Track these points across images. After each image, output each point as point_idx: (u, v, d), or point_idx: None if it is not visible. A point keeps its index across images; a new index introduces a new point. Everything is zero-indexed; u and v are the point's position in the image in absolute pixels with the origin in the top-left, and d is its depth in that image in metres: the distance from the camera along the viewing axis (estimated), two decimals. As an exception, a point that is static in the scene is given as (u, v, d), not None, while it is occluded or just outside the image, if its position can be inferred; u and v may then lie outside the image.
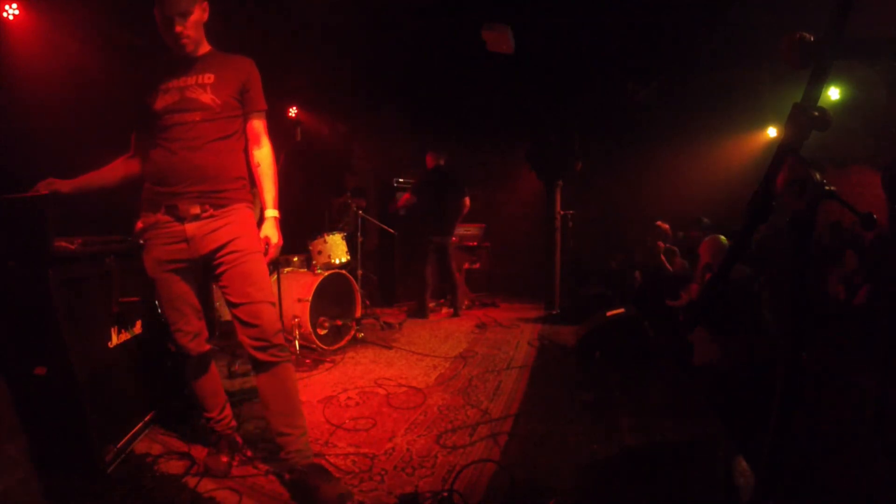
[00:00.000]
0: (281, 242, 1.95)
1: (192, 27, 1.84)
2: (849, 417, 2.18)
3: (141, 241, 1.93)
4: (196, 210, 1.82)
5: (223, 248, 1.83)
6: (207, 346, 2.03)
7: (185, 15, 1.80)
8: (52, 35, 3.59)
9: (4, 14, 3.39)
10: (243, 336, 1.83)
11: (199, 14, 1.86)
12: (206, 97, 1.85)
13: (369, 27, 4.54)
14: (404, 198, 5.51)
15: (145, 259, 1.89)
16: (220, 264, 1.83)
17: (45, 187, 1.82)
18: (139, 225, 1.93)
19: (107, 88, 3.66)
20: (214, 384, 2.09)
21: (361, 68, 5.28)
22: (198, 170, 1.82)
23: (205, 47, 1.95)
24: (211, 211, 1.83)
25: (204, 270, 1.94)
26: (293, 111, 5.83)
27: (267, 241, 1.91)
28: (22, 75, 3.48)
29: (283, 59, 4.62)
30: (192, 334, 1.94)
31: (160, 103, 1.84)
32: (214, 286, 3.63)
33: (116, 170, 2.01)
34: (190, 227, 1.82)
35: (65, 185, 1.88)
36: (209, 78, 1.88)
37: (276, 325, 1.86)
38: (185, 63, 1.89)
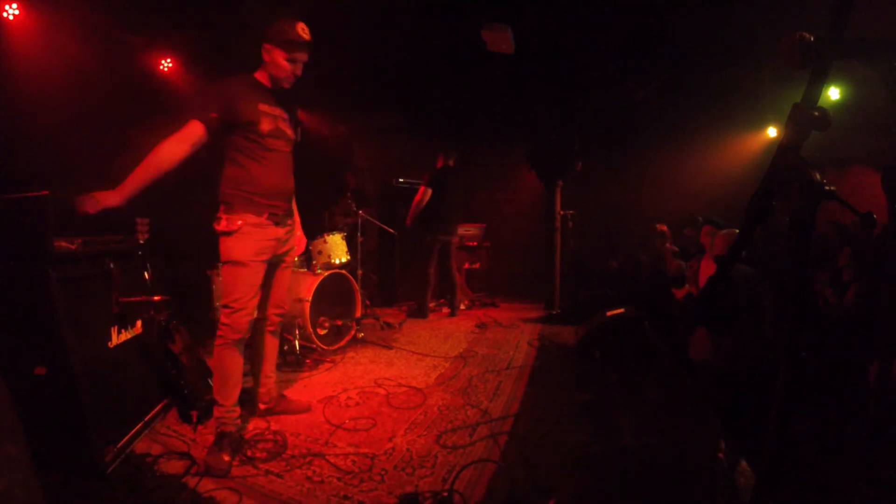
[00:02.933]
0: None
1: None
2: (849, 417, 2.18)
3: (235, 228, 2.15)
4: (290, 220, 2.35)
5: (290, 251, 2.41)
6: (249, 334, 2.24)
7: (305, 62, 2.18)
8: (52, 35, 3.60)
9: (4, 14, 3.40)
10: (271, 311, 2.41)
11: None
12: (290, 131, 2.27)
13: (369, 27, 4.53)
14: (420, 192, 5.18)
15: (239, 247, 2.11)
16: (282, 262, 2.37)
17: (91, 205, 1.78)
18: (238, 222, 2.10)
19: (106, 88, 3.67)
20: (239, 375, 2.21)
21: (361, 68, 5.27)
22: (286, 189, 2.29)
23: None
24: (290, 221, 2.36)
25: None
26: (293, 111, 5.83)
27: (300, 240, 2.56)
28: (22, 75, 3.48)
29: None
30: (254, 318, 2.20)
31: (265, 126, 2.14)
32: (214, 286, 3.65)
33: (172, 155, 1.95)
34: (281, 231, 2.27)
35: (112, 197, 1.82)
36: (284, 114, 2.24)
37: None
38: (272, 92, 2.21)
